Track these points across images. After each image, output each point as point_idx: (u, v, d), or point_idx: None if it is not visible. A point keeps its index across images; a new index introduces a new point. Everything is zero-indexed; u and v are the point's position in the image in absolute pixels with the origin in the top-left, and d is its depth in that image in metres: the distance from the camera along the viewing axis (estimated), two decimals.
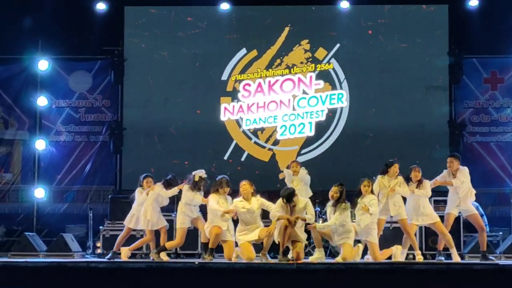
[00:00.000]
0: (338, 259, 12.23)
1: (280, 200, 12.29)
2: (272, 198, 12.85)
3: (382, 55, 17.61)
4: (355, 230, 12.36)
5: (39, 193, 17.60)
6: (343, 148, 17.39)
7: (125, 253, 13.27)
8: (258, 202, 12.54)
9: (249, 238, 12.40)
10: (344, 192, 12.30)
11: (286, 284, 11.24)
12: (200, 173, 13.12)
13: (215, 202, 12.60)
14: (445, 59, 17.48)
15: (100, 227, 15.14)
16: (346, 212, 12.22)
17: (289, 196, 12.20)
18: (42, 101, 17.77)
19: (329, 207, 12.49)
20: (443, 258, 13.03)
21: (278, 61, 17.67)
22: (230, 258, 12.60)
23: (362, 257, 12.76)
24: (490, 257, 12.86)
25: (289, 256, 12.25)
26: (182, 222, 13.06)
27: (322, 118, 17.48)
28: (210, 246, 12.62)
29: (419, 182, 12.80)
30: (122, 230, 13.83)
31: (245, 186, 12.57)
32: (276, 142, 17.55)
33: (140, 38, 17.80)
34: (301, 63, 17.65)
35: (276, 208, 12.24)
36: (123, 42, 17.77)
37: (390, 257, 12.67)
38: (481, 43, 17.40)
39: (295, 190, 12.43)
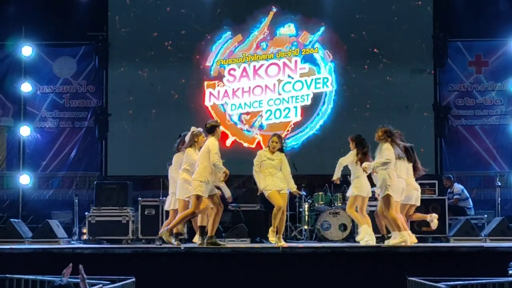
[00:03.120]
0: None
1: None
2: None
3: (366, 38, 17.60)
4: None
5: (24, 179, 17.54)
6: (328, 133, 17.39)
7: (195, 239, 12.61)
8: (280, 156, 12.39)
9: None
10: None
11: (272, 268, 11.25)
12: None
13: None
14: (430, 43, 17.51)
15: (86, 213, 15.05)
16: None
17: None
18: (26, 87, 17.68)
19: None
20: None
21: (263, 45, 17.64)
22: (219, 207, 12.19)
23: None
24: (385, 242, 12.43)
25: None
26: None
27: (308, 102, 17.49)
28: (199, 224, 12.29)
29: None
30: (107, 216, 13.96)
31: (274, 143, 12.44)
32: (261, 127, 17.54)
33: (124, 23, 17.73)
34: (286, 47, 17.63)
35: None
36: (108, 27, 17.70)
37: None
38: (466, 27, 17.45)
39: None
